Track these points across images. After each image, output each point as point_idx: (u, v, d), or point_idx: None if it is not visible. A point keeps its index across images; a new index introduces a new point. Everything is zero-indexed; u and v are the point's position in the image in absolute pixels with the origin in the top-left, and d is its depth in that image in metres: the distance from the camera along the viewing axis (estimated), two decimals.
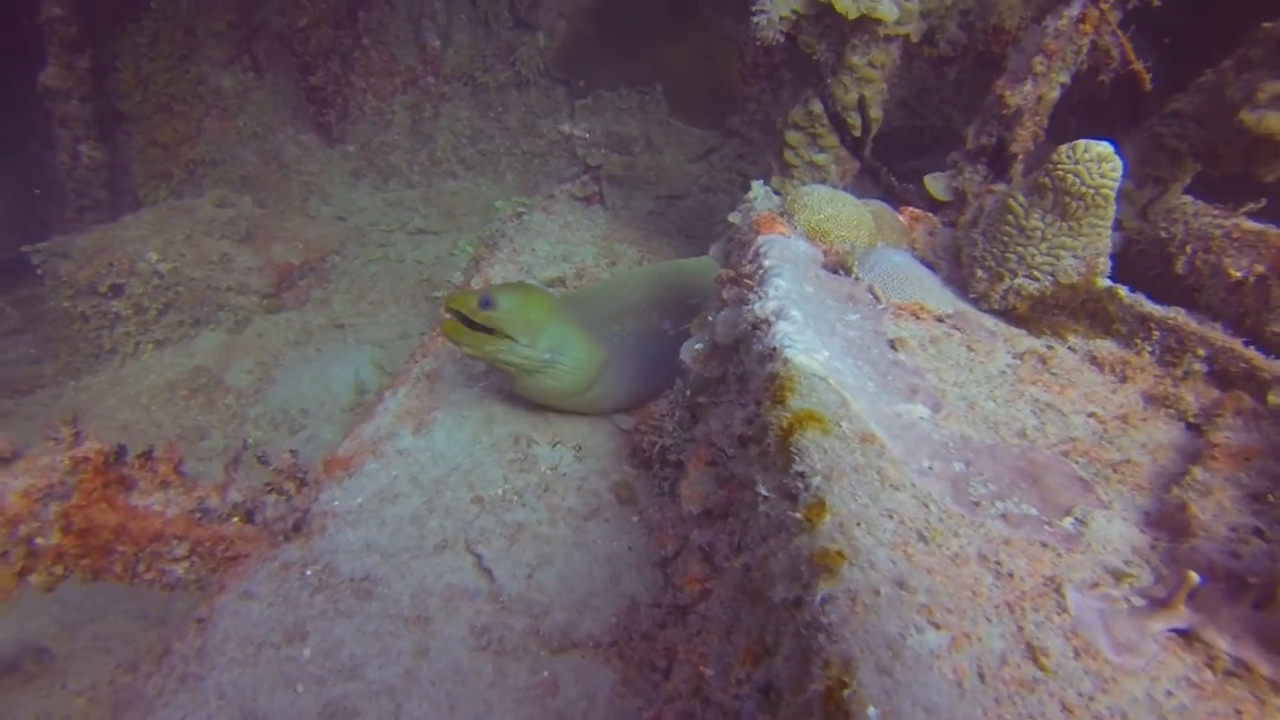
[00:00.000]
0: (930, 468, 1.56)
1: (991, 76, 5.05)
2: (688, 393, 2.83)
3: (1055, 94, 3.29)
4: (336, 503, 2.51)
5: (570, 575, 2.36)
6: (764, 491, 1.47)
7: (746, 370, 2.05)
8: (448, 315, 2.77)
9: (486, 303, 2.74)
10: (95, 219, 6.73)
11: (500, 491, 2.65)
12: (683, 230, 5.91)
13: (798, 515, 1.28)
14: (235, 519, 2.41)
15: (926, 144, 5.60)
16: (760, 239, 2.53)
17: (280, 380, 5.45)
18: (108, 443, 2.26)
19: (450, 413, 3.01)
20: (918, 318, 2.39)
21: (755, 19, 3.46)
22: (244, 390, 5.43)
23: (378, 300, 6.40)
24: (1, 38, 6.64)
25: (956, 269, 2.88)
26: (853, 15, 3.37)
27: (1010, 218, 2.50)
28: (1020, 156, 3.30)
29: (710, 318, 2.62)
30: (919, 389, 1.90)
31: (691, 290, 3.58)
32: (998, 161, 3.35)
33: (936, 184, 3.54)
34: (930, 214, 3.14)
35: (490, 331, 2.77)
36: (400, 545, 2.37)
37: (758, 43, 3.54)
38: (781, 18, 3.47)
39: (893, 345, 2.12)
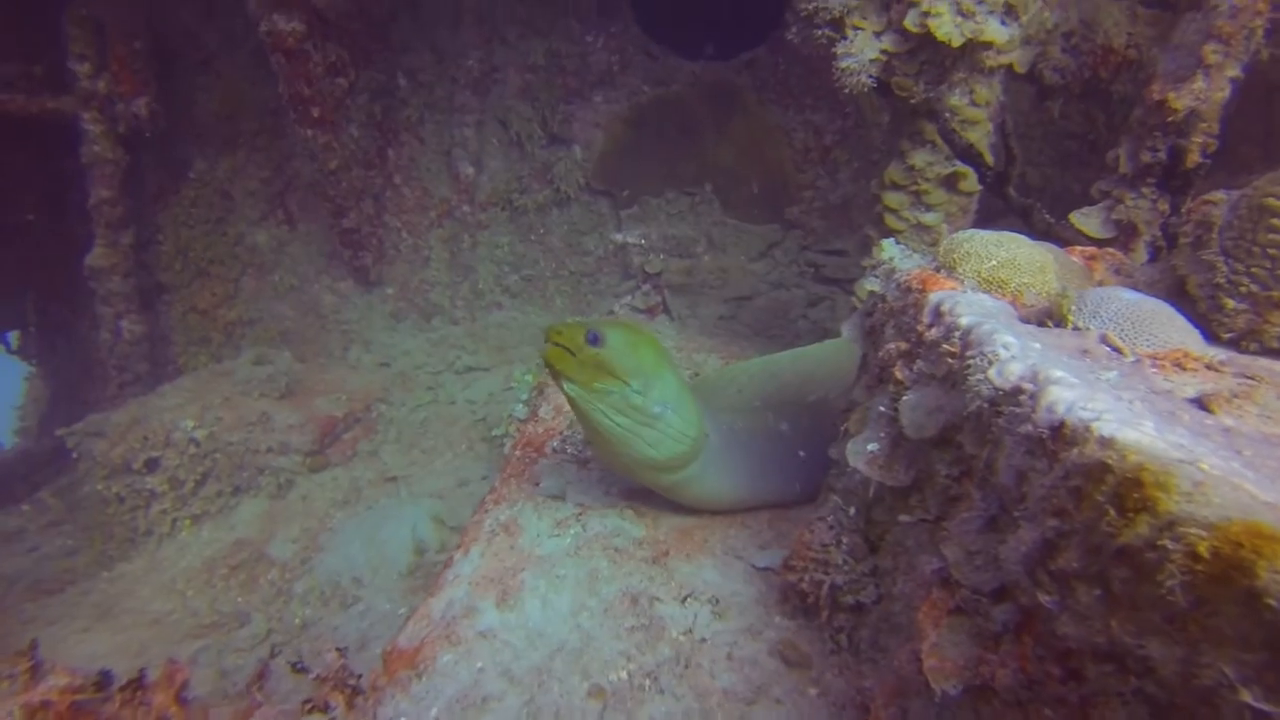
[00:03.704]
0: None
1: (1089, 108, 4.54)
2: (853, 512, 2.13)
3: (1225, 93, 2.71)
4: None
5: None
6: (1255, 701, 0.76)
7: (996, 468, 1.37)
8: (551, 346, 2.36)
9: (595, 338, 2.33)
10: (136, 393, 6.42)
11: (625, 675, 1.92)
12: (761, 332, 5.33)
13: None
14: None
15: None
16: (935, 296, 1.90)
17: (329, 547, 4.83)
18: (81, 673, 1.62)
19: (541, 573, 2.32)
20: (1184, 369, 1.70)
21: (841, 64, 2.99)
22: (289, 563, 4.81)
23: (430, 448, 5.85)
24: (46, 222, 6.61)
25: (1176, 307, 2.21)
26: (957, 42, 2.88)
27: (1277, 221, 1.85)
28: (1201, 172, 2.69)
29: (881, 407, 1.95)
30: None
31: (810, 385, 2.98)
32: (1171, 179, 2.74)
33: (1089, 221, 2.93)
34: (1112, 250, 2.50)
35: None
36: None
37: (846, 91, 3.06)
38: (871, 60, 3.00)
39: (1202, 406, 1.43)
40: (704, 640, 2.04)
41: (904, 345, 1.96)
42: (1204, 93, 2.59)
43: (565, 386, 2.35)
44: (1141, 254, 2.80)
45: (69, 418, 6.79)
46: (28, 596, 4.80)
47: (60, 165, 6.13)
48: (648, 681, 1.89)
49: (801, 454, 2.75)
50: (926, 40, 2.93)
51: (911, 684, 1.56)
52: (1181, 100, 2.60)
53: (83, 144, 5.80)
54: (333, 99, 5.64)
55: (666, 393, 2.38)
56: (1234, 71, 2.66)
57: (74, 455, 5.47)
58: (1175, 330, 1.80)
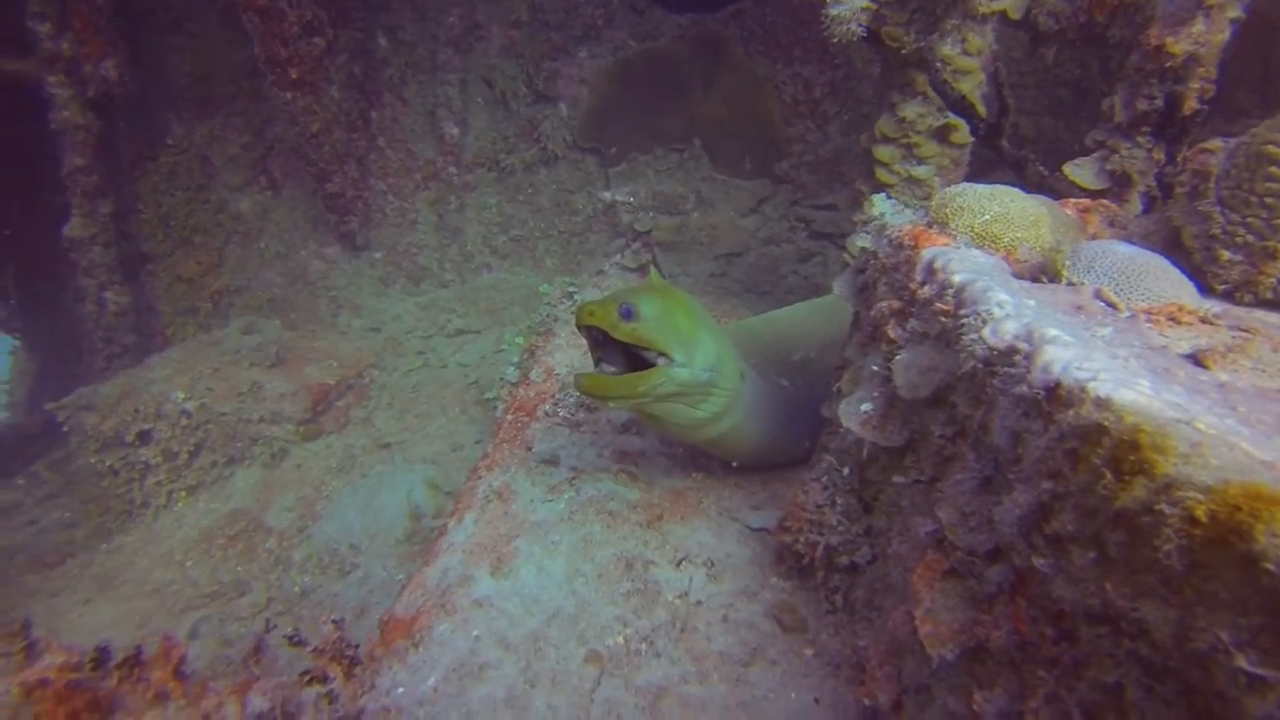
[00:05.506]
0: None
1: (1084, 54, 4.45)
2: (847, 472, 2.13)
3: (1225, 35, 2.64)
4: (401, 690, 1.82)
5: None
6: (1249, 666, 0.75)
7: (991, 429, 1.35)
8: (584, 380, 2.22)
9: (628, 312, 2.17)
10: (124, 365, 6.35)
11: (621, 639, 1.93)
12: (751, 288, 5.29)
13: None
14: None
15: None
16: (927, 253, 1.87)
17: (325, 515, 4.84)
18: (78, 650, 1.61)
19: (535, 539, 2.33)
20: (1179, 322, 1.68)
21: (831, 11, 2.90)
22: (286, 531, 4.82)
23: (424, 412, 5.83)
24: (20, 192, 6.45)
25: (1171, 259, 2.19)
26: None
27: (1276, 170, 1.81)
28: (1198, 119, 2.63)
29: (874, 366, 1.93)
30: None
31: (789, 346, 2.98)
32: (1167, 127, 2.68)
33: (1083, 172, 2.88)
34: (1106, 202, 2.46)
35: (634, 354, 2.23)
36: None
37: (835, 41, 2.97)
38: (861, 9, 2.91)
39: (1197, 361, 1.41)
40: (699, 603, 2.05)
41: (896, 303, 1.93)
42: (1203, 36, 2.53)
43: (613, 405, 2.28)
44: (1136, 205, 2.76)
45: (58, 391, 6.74)
46: (28, 569, 4.81)
47: (30, 132, 5.96)
48: (644, 646, 1.90)
49: (802, 408, 2.74)
50: None
51: (906, 644, 1.57)
52: (1180, 45, 2.53)
53: (51, 109, 5.63)
54: (311, 59, 5.48)
55: (708, 353, 2.30)
56: (1235, 12, 2.60)
57: (65, 429, 5.44)
58: (1170, 284, 1.78)
